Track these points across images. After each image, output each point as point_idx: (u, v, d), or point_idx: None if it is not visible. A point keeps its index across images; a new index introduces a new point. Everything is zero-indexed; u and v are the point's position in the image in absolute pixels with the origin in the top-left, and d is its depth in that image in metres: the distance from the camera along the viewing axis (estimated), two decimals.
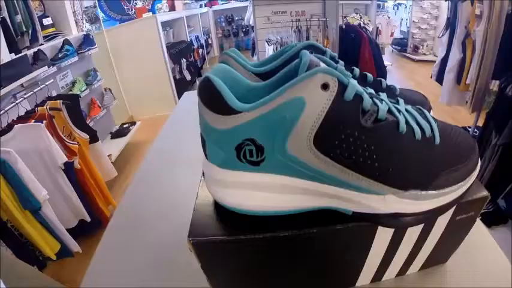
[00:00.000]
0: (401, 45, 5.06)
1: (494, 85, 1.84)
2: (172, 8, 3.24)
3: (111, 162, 1.91)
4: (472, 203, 0.30)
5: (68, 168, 1.35)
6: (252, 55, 3.00)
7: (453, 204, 0.28)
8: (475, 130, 2.01)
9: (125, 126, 2.44)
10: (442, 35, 2.25)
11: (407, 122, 0.25)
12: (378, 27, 4.89)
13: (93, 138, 1.61)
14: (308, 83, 0.20)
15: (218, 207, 0.28)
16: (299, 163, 0.23)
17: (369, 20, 3.55)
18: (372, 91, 0.26)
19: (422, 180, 0.26)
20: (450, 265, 0.37)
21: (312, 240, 0.27)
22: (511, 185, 1.29)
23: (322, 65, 0.22)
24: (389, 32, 5.40)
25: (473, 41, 1.91)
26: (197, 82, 3.86)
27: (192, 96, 1.01)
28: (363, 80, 0.33)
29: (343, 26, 2.56)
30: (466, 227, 0.34)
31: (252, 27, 3.62)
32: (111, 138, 2.30)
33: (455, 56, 2.07)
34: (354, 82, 0.22)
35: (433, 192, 0.26)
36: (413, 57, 4.80)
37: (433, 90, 3.25)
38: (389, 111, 0.24)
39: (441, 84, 2.27)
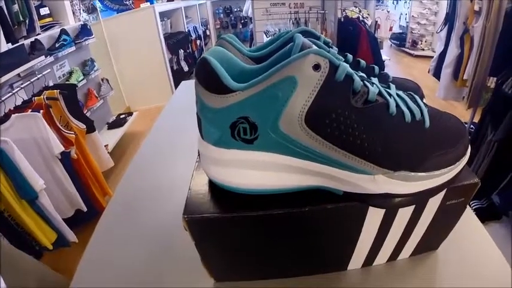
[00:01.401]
0: (399, 39, 5.06)
1: (492, 82, 1.85)
2: None
3: (108, 152, 1.91)
4: (462, 189, 0.31)
5: (65, 158, 1.35)
6: (250, 46, 2.98)
7: (443, 187, 0.29)
8: (471, 126, 2.02)
9: (121, 116, 2.44)
10: (441, 30, 2.26)
11: (397, 105, 0.26)
12: (376, 21, 4.86)
13: (90, 128, 1.61)
14: (300, 63, 0.21)
15: (213, 187, 0.29)
16: (291, 141, 0.23)
17: (368, 14, 3.53)
18: (363, 75, 0.26)
19: (411, 161, 0.26)
20: (441, 252, 0.38)
21: (303, 219, 0.27)
22: (505, 180, 1.31)
23: (315, 47, 0.23)
24: (388, 27, 5.38)
25: (471, 37, 1.92)
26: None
27: (189, 85, 1.01)
28: (355, 66, 0.34)
29: (342, 19, 2.56)
30: (457, 213, 0.34)
31: (251, 18, 3.60)
32: (108, 129, 2.30)
33: (453, 51, 2.07)
34: (345, 64, 0.22)
35: (423, 174, 0.27)
36: (411, 52, 4.80)
37: (430, 85, 3.25)
38: (380, 93, 0.25)
39: (438, 79, 2.28)
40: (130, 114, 2.49)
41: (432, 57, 4.65)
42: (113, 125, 2.30)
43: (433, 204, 0.32)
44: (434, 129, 0.27)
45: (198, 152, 0.30)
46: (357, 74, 0.24)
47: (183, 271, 0.37)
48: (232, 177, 0.26)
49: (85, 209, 1.44)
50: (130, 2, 2.92)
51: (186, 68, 3.46)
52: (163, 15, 3.06)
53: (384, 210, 0.30)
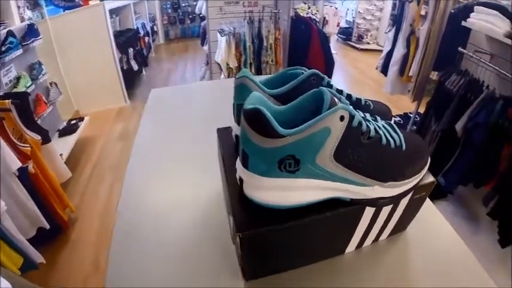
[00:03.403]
0: (346, 34, 5.31)
1: (434, 75, 2.12)
2: None
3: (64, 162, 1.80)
4: (424, 187, 0.43)
5: (22, 174, 1.26)
6: (202, 44, 2.96)
7: (413, 188, 0.41)
8: (416, 116, 2.32)
9: (72, 122, 2.29)
10: (389, 31, 2.49)
11: (386, 137, 0.36)
12: (325, 18, 5.12)
13: (45, 138, 1.50)
14: (332, 116, 0.30)
15: (249, 206, 0.35)
16: (323, 170, 0.32)
17: (317, 10, 3.73)
18: (365, 115, 0.36)
19: (396, 174, 0.37)
20: (409, 231, 0.51)
21: (325, 221, 0.37)
22: (448, 165, 1.56)
23: (340, 104, 0.32)
24: (335, 22, 5.71)
25: (417, 38, 2.15)
26: (144, 72, 3.70)
27: (159, 94, 1.01)
28: (348, 99, 0.44)
29: (294, 17, 2.67)
30: (420, 203, 0.47)
31: (199, 15, 3.54)
32: (59, 136, 2.14)
33: (399, 50, 2.31)
34: (358, 115, 0.32)
35: (403, 181, 0.39)
36: (357, 46, 5.10)
37: (376, 78, 3.59)
38: (376, 130, 0.35)
39: (385, 75, 2.53)
40: (81, 119, 2.34)
41: (377, 50, 5.08)
42: (64, 132, 2.15)
43: (405, 200, 0.43)
44: (408, 150, 0.39)
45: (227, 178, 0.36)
46: (362, 118, 0.34)
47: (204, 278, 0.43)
48: (276, 198, 0.34)
49: (48, 226, 1.36)
50: None
51: (135, 67, 3.32)
52: (112, 12, 2.89)
53: (375, 208, 0.41)
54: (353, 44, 5.22)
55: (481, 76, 1.52)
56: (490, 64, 1.48)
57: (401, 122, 2.79)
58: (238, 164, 0.35)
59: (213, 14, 2.46)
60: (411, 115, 2.50)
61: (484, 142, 1.35)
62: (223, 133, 0.51)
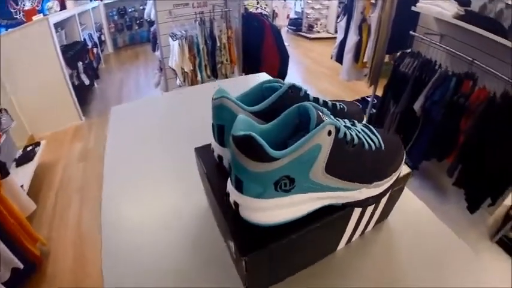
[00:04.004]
0: (296, 25, 5.40)
1: (386, 57, 2.24)
2: (63, 6, 2.81)
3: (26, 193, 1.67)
4: (402, 178, 0.47)
5: None
6: (154, 50, 2.85)
7: (394, 183, 0.44)
8: (374, 99, 2.43)
9: (29, 149, 2.11)
10: (340, 20, 2.57)
11: (367, 141, 0.38)
12: (274, 11, 5.18)
13: (4, 171, 1.38)
14: (321, 133, 0.31)
15: (247, 227, 0.36)
16: (316, 183, 0.34)
17: (266, 5, 3.76)
18: (344, 121, 0.38)
19: (380, 174, 0.40)
20: (390, 218, 0.55)
21: (321, 227, 0.38)
22: (410, 143, 1.66)
23: (328, 119, 0.33)
24: (285, 15, 5.80)
25: (369, 25, 2.24)
26: (96, 85, 3.50)
27: (120, 111, 0.97)
28: (325, 106, 0.46)
29: (245, 14, 2.65)
30: (399, 193, 0.51)
31: (148, 20, 3.40)
32: (17, 166, 1.97)
33: (352, 38, 2.39)
34: (342, 126, 0.33)
35: (385, 179, 0.41)
36: (308, 35, 5.22)
37: (329, 65, 3.70)
38: (358, 136, 0.37)
39: (341, 63, 2.63)
40: (37, 144, 2.17)
41: (328, 38, 5.20)
42: (21, 161, 1.98)
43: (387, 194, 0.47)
44: (387, 149, 0.41)
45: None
46: (346, 127, 0.35)
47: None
48: (273, 217, 0.35)
49: (21, 266, 1.26)
50: (21, 15, 2.46)
51: (87, 82, 3.14)
52: (57, 25, 2.69)
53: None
54: (304, 34, 5.31)
55: (433, 56, 1.64)
56: (440, 44, 1.59)
57: (361, 106, 2.91)
58: (232, 189, 0.35)
59: (163, 18, 2.37)
60: (369, 99, 2.63)
61: (443, 118, 1.47)
62: (203, 152, 0.50)
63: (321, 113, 0.33)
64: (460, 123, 1.43)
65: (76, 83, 2.87)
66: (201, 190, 0.54)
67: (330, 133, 0.32)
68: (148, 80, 3.65)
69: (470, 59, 1.45)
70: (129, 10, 4.61)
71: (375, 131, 0.42)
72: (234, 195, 0.35)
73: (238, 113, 0.41)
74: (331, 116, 0.37)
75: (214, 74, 2.64)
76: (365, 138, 0.38)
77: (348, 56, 2.50)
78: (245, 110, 0.41)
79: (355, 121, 0.42)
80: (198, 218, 0.55)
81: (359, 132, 0.39)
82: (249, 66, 2.76)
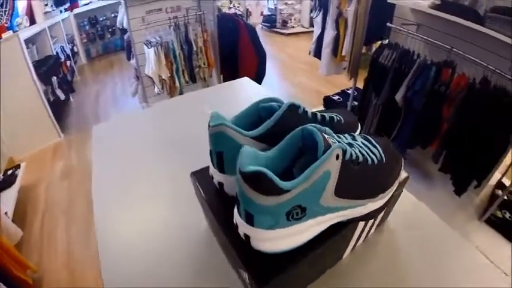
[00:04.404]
0: (270, 21, 5.36)
1: (363, 48, 2.26)
2: (32, 21, 2.67)
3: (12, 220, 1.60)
4: (401, 183, 0.47)
5: None
6: (129, 58, 2.76)
7: (396, 191, 0.45)
8: (354, 92, 2.47)
9: (9, 172, 2.02)
10: (317, 16, 2.57)
11: (369, 155, 0.39)
12: (247, 9, 5.13)
13: None
14: (330, 158, 0.31)
15: (256, 257, 0.36)
16: (326, 208, 0.34)
17: (239, 4, 3.72)
18: (345, 137, 0.38)
19: (383, 187, 0.41)
20: (390, 219, 0.57)
21: (331, 244, 0.39)
22: (394, 133, 1.70)
23: (326, 137, 0.33)
24: (259, 12, 5.78)
25: (345, 19, 2.25)
26: (71, 99, 3.37)
27: (102, 130, 0.93)
28: (322, 120, 0.46)
29: (219, 16, 2.60)
30: (398, 197, 0.52)
31: (120, 28, 3.28)
32: None
33: (329, 33, 2.40)
34: (348, 148, 0.33)
35: (388, 190, 0.42)
36: (283, 31, 5.19)
37: (306, 60, 3.71)
38: (360, 152, 0.37)
39: (319, 59, 2.64)
40: (17, 166, 2.07)
41: (303, 33, 5.21)
42: (3, 186, 1.89)
43: None
44: (388, 160, 0.42)
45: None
46: (349, 147, 0.35)
47: None
48: (285, 244, 0.34)
49: None
50: None
51: (62, 97, 3.02)
52: (28, 41, 2.56)
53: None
54: (278, 30, 5.29)
55: (411, 46, 1.67)
56: (417, 34, 1.63)
57: (341, 99, 2.93)
58: (242, 222, 0.35)
59: (136, 26, 2.30)
60: (349, 91, 2.66)
61: (424, 107, 1.51)
62: (200, 177, 0.49)
63: (326, 136, 0.33)
64: (442, 110, 1.47)
65: (51, 98, 2.76)
66: (198, 207, 0.53)
67: (337, 157, 0.32)
68: (125, 89, 3.55)
69: (449, 47, 1.49)
70: (101, 19, 4.44)
71: (374, 142, 0.42)
72: (244, 228, 0.35)
73: (237, 139, 0.40)
74: (334, 135, 0.37)
75: (192, 79, 2.60)
76: (368, 154, 0.39)
77: (326, 50, 2.52)
78: (245, 135, 0.40)
79: (354, 134, 0.42)
80: (201, 238, 0.54)
81: (361, 147, 0.39)
82: (227, 68, 2.73)
